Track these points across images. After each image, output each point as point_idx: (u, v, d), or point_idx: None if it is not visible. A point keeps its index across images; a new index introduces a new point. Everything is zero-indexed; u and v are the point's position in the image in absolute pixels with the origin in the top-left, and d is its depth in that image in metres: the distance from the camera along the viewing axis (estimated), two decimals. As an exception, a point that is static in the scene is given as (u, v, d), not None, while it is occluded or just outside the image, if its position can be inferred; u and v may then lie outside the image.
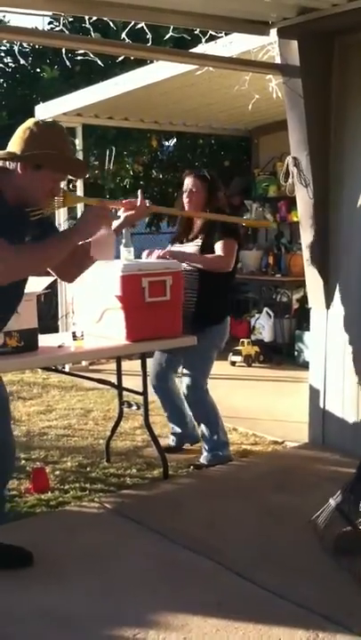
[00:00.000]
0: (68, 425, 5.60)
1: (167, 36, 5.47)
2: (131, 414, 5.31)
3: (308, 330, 5.33)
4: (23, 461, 4.67)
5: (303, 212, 4.77)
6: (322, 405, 4.93)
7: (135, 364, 4.51)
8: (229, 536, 3.60)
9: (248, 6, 4.19)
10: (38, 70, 9.42)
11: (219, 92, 6.54)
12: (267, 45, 4.69)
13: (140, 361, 4.38)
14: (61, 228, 7.24)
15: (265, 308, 8.23)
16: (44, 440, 5.23)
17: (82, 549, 3.48)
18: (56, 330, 7.21)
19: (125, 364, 4.80)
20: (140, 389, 4.38)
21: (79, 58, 6.03)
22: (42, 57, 9.36)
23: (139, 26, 4.81)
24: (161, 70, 5.90)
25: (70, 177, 4.30)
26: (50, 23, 8.27)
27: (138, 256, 4.49)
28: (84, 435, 5.37)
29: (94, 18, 4.90)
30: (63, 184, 3.14)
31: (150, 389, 4.47)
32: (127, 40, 4.98)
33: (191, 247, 4.58)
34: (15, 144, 2.98)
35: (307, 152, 4.56)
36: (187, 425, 4.88)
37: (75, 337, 4.12)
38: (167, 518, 3.80)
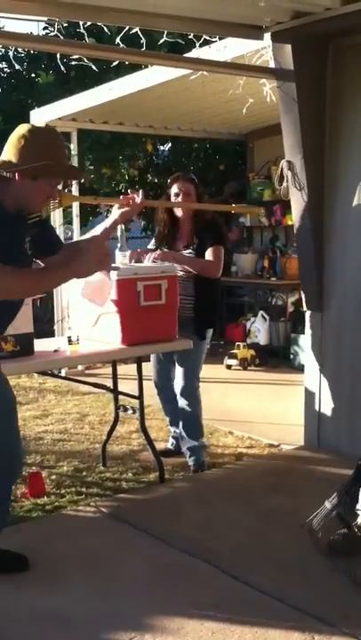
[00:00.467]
0: (64, 429, 5.60)
1: (161, 41, 5.50)
2: (127, 418, 5.31)
3: (304, 333, 5.34)
4: (19, 466, 4.67)
5: (298, 215, 4.79)
6: (317, 408, 4.94)
7: (131, 368, 4.52)
8: (225, 539, 3.61)
9: (242, 11, 4.20)
10: (33, 75, 9.44)
11: (213, 97, 6.56)
12: (261, 49, 4.71)
13: (135, 365, 4.39)
14: (57, 232, 7.32)
15: (260, 312, 8.25)
16: (40, 444, 5.23)
17: (78, 553, 3.48)
18: (52, 334, 7.20)
19: (121, 368, 4.80)
20: (136, 393, 4.39)
21: (74, 63, 6.06)
22: (37, 62, 9.38)
23: (133, 31, 4.83)
24: (155, 75, 5.92)
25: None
26: (45, 28, 8.27)
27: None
28: (80, 439, 5.37)
29: (89, 23, 4.92)
30: (59, 185, 3.17)
31: (147, 392, 4.46)
32: (121, 45, 4.99)
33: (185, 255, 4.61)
34: (10, 153, 2.96)
35: (301, 155, 4.58)
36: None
37: (70, 341, 4.13)
38: (163, 522, 3.80)
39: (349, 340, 4.73)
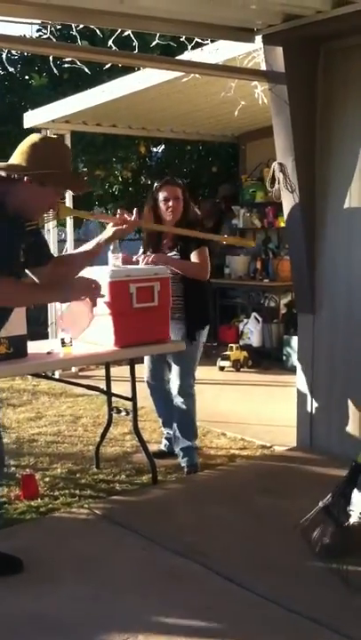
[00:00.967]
0: (58, 431, 5.61)
1: (154, 44, 5.52)
2: (120, 420, 5.32)
3: (296, 334, 5.35)
4: (13, 468, 4.67)
5: (289, 217, 4.80)
6: (309, 409, 4.96)
7: (124, 370, 4.52)
8: (218, 540, 3.62)
9: (233, 13, 4.21)
10: (27, 78, 9.44)
11: (205, 99, 6.58)
12: (252, 52, 4.73)
13: (128, 367, 4.40)
14: (50, 234, 7.33)
15: (253, 313, 8.26)
16: (34, 447, 5.23)
17: (72, 555, 3.48)
18: (45, 336, 7.21)
19: (114, 370, 4.81)
20: (129, 395, 4.40)
21: (67, 65, 6.06)
22: (30, 64, 9.38)
23: (125, 33, 4.85)
24: (148, 77, 5.93)
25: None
26: (38, 31, 8.29)
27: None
28: (73, 441, 5.37)
29: (81, 26, 4.93)
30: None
31: (140, 394, 4.47)
32: (114, 47, 5.01)
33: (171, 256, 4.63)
34: (21, 158, 3.04)
35: (293, 157, 4.59)
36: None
37: (64, 343, 4.13)
38: (156, 523, 3.81)
39: (341, 341, 4.75)
